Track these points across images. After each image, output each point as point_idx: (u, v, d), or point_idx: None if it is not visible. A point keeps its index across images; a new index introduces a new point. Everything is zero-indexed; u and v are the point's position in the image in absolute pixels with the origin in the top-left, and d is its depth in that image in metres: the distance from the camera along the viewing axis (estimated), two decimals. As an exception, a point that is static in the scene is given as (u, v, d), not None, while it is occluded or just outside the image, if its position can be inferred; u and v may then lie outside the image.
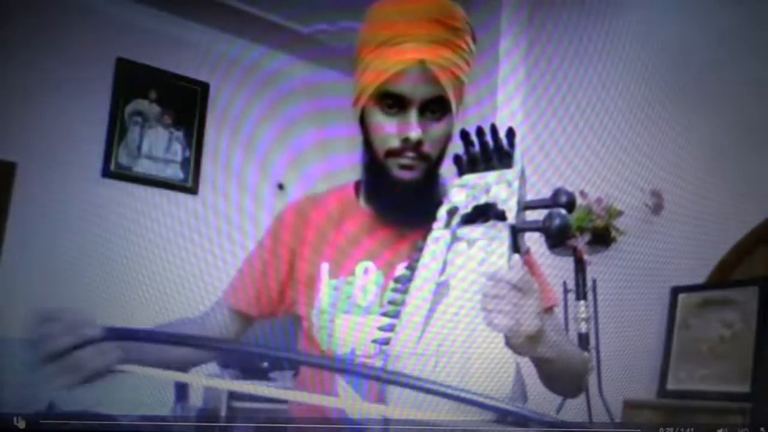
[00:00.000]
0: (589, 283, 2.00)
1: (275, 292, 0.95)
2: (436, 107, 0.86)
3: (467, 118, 0.94)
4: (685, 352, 1.91)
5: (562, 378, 0.85)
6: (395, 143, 0.86)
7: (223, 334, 0.97)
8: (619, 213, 2.00)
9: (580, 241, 1.95)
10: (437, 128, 0.87)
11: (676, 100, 2.08)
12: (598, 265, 2.02)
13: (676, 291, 2.00)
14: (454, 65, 0.86)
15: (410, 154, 0.86)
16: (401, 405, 0.65)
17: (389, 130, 0.86)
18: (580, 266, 1.99)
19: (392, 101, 0.85)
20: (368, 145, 0.90)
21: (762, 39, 1.90)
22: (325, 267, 0.92)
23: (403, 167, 0.87)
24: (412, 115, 0.85)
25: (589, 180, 2.05)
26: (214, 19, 2.88)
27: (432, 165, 0.89)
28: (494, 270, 0.67)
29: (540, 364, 0.78)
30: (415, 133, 0.85)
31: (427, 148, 0.87)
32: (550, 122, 2.44)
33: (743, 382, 1.72)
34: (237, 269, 0.99)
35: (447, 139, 0.90)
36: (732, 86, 1.94)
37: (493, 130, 0.74)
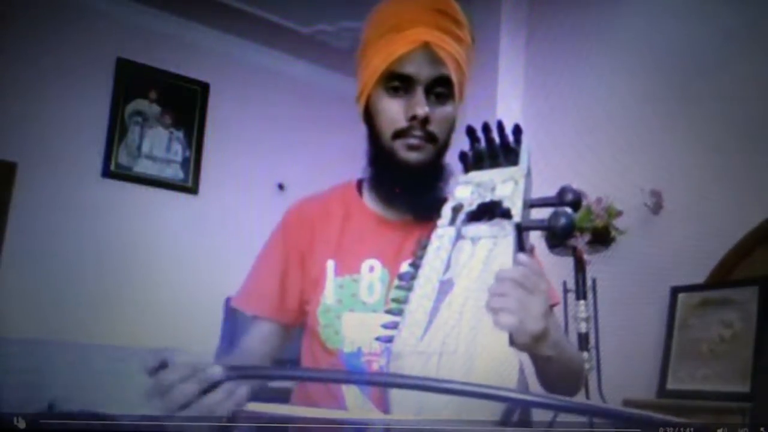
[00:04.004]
0: (589, 283, 2.00)
1: (297, 295, 0.94)
2: (441, 89, 0.88)
3: (467, 117, 0.94)
4: (684, 351, 1.91)
5: (561, 378, 0.85)
6: (403, 123, 0.87)
7: (268, 348, 0.96)
8: (619, 213, 2.00)
9: (580, 241, 1.95)
10: (442, 110, 0.89)
11: (676, 100, 2.08)
12: (597, 264, 2.02)
13: (675, 291, 1.99)
14: (456, 52, 0.88)
15: (418, 133, 0.87)
16: (404, 409, 0.65)
17: (397, 110, 0.88)
18: (579, 266, 1.99)
19: (398, 84, 0.87)
20: (374, 134, 0.91)
21: (762, 39, 1.91)
22: (330, 264, 0.92)
23: (411, 147, 0.88)
24: (419, 94, 0.87)
25: (589, 179, 2.05)
26: (214, 19, 2.88)
27: (438, 149, 0.90)
28: (498, 268, 0.66)
29: (541, 362, 0.77)
30: (422, 110, 0.86)
31: (433, 127, 0.88)
32: (549, 122, 2.44)
33: (743, 382, 1.72)
34: (255, 280, 0.98)
35: (452, 124, 0.91)
36: (732, 86, 1.94)
37: (500, 126, 0.73)
